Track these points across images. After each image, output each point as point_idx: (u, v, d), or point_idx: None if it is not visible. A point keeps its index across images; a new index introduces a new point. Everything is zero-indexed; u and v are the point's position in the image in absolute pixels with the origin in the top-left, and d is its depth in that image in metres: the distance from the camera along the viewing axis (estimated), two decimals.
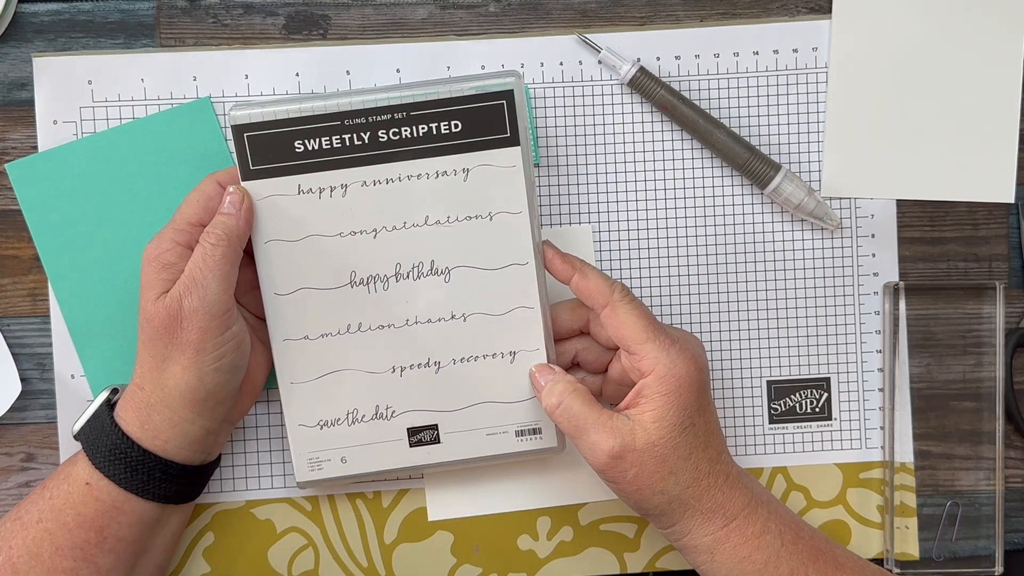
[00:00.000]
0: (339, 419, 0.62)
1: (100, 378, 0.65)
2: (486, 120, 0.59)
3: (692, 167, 0.67)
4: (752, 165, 0.66)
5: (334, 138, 0.59)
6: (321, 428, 0.62)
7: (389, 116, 0.59)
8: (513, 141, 0.59)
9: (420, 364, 0.62)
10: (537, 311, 0.61)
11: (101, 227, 0.65)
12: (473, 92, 0.59)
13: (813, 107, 0.67)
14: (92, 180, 0.65)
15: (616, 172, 0.67)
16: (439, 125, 0.59)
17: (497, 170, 0.60)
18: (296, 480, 0.63)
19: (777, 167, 0.66)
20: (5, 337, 0.65)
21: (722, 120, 0.66)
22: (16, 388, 0.65)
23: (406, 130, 0.59)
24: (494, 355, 0.62)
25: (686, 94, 0.66)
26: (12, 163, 0.65)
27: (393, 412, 0.62)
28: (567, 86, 0.66)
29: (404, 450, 0.63)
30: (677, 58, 0.67)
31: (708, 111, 0.66)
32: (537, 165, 0.66)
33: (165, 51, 0.65)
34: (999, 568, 0.67)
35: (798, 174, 0.67)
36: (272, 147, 0.59)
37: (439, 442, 0.63)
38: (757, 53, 0.67)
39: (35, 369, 0.66)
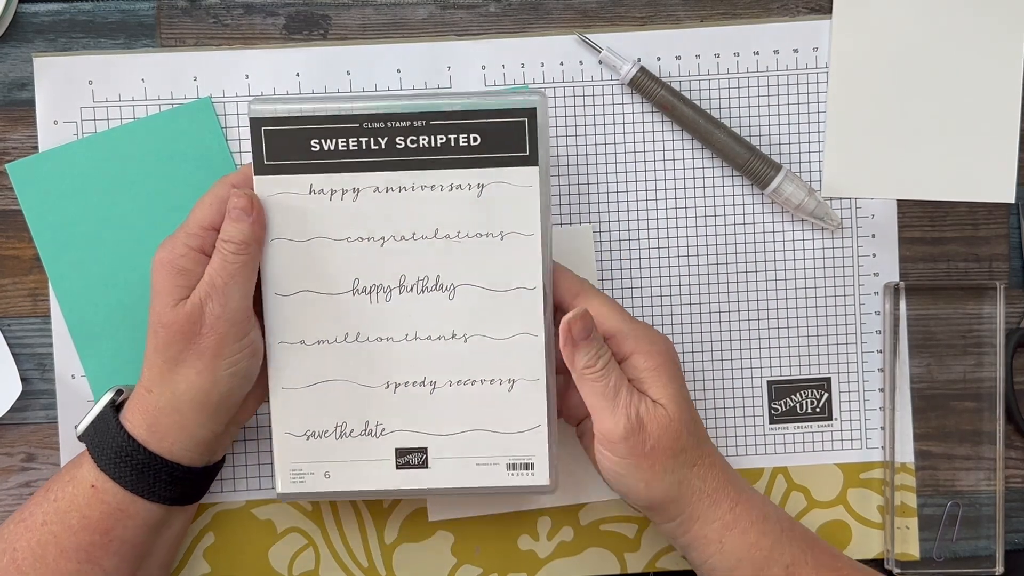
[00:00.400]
0: (326, 431, 0.61)
1: (100, 378, 0.65)
2: (506, 136, 0.57)
3: (692, 167, 0.67)
4: (752, 165, 0.66)
5: (351, 140, 0.58)
6: (307, 438, 0.61)
7: (408, 123, 0.57)
8: (532, 161, 0.58)
9: (415, 382, 0.60)
10: (541, 339, 0.59)
11: (102, 227, 0.65)
12: (495, 107, 0.57)
13: (813, 107, 0.67)
14: (93, 180, 0.65)
15: (616, 172, 0.67)
16: (457, 137, 0.58)
17: (513, 189, 0.58)
18: (276, 491, 0.61)
19: (777, 167, 0.66)
20: (6, 337, 0.65)
21: (722, 120, 0.66)
22: (17, 388, 0.65)
23: (424, 139, 0.58)
24: (492, 381, 0.60)
25: (686, 94, 0.66)
26: (13, 163, 0.65)
27: (383, 430, 0.61)
28: (567, 86, 0.66)
29: (390, 472, 0.61)
30: (678, 58, 0.67)
31: (708, 111, 0.66)
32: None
33: (165, 51, 0.65)
34: (1000, 568, 0.67)
35: (798, 174, 0.67)
36: (288, 144, 0.58)
37: (427, 467, 0.61)
38: (757, 53, 0.67)
39: (36, 369, 0.66)
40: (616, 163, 0.67)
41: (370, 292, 0.60)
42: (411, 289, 0.60)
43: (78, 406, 0.65)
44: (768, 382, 0.68)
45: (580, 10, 0.67)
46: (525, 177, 0.58)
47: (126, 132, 0.65)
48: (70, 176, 0.65)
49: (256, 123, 0.58)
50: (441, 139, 0.58)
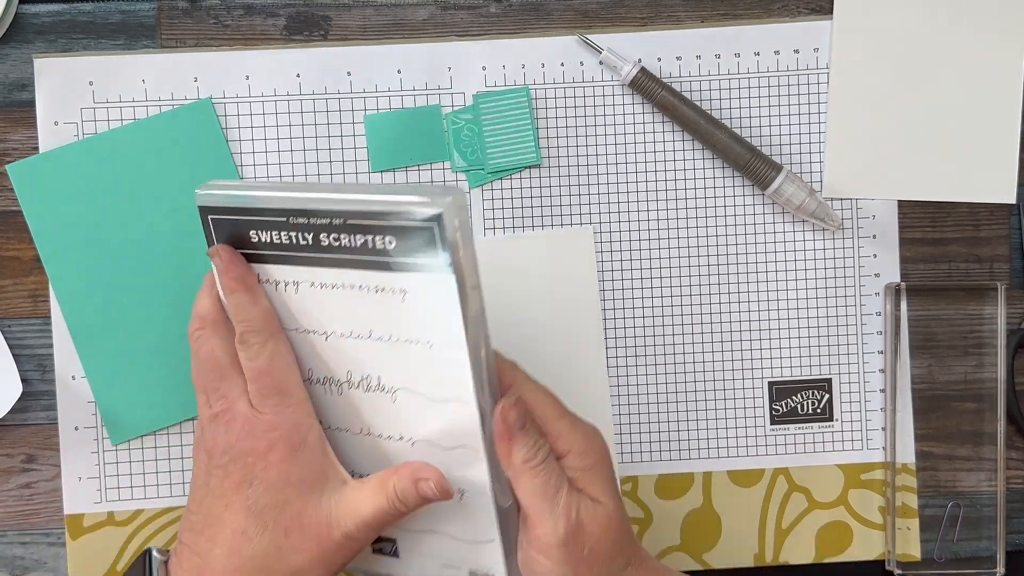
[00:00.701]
0: None
1: (101, 379, 0.65)
2: (419, 241, 0.50)
3: (693, 168, 0.67)
4: (753, 166, 0.66)
5: (282, 233, 0.53)
6: None
7: (328, 220, 0.52)
8: (449, 266, 0.50)
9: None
10: (481, 453, 0.53)
11: (102, 228, 0.65)
12: (400, 209, 0.49)
13: (814, 108, 0.67)
14: (93, 181, 0.65)
15: (617, 173, 0.67)
16: (374, 238, 0.51)
17: (434, 297, 0.51)
18: None
19: (778, 168, 0.66)
20: (6, 338, 0.65)
21: (723, 121, 0.66)
22: (17, 389, 0.65)
23: (344, 238, 0.52)
24: None
25: (687, 95, 0.66)
26: (13, 164, 0.65)
27: None
28: (568, 87, 0.66)
29: (367, 552, 0.58)
30: (678, 59, 0.67)
31: (709, 112, 0.66)
32: (537, 165, 0.66)
33: (166, 52, 0.65)
34: (1001, 569, 0.67)
35: (799, 175, 0.67)
36: (232, 233, 0.54)
37: (398, 556, 0.57)
38: (758, 54, 0.67)
39: (36, 370, 0.66)
40: (616, 163, 0.67)
41: (324, 383, 0.56)
42: (358, 386, 0.55)
43: (78, 407, 0.65)
44: (769, 383, 0.68)
45: (581, 11, 0.67)
46: (444, 287, 0.50)
47: (126, 133, 0.65)
48: (70, 177, 0.64)
49: (203, 210, 0.55)
50: (360, 239, 0.51)
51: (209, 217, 0.55)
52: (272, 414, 0.53)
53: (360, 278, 0.52)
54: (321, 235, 0.52)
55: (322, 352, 0.55)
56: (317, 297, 0.54)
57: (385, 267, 0.51)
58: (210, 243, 0.55)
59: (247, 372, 0.54)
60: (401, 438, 0.55)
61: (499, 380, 0.53)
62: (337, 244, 0.52)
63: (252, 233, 0.54)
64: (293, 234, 0.53)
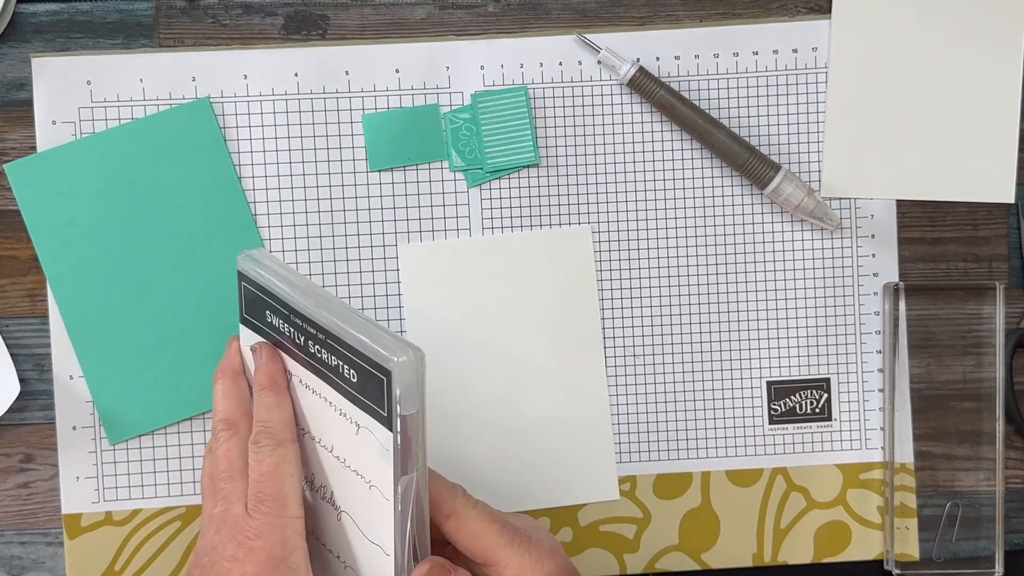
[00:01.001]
0: None
1: (99, 378, 0.65)
2: (373, 386, 0.49)
3: (692, 167, 0.67)
4: (752, 165, 0.66)
5: (284, 325, 0.54)
6: None
7: (315, 331, 0.52)
8: (389, 425, 0.49)
9: None
10: None
11: (100, 228, 0.65)
12: (360, 348, 0.49)
13: (813, 107, 0.67)
14: (91, 181, 0.65)
15: (616, 172, 0.67)
16: (343, 365, 0.51)
17: (376, 444, 0.50)
18: None
19: (777, 167, 0.66)
20: (4, 338, 0.65)
21: (722, 120, 0.66)
22: (15, 389, 0.65)
23: (324, 353, 0.52)
24: None
25: (686, 94, 0.66)
26: (11, 163, 0.65)
27: None
28: (566, 86, 0.66)
29: None
30: (677, 58, 0.67)
31: (708, 111, 0.66)
32: (535, 165, 0.66)
33: (164, 51, 0.65)
34: (999, 569, 0.67)
35: (798, 174, 0.67)
36: (255, 306, 0.56)
37: None
38: (757, 53, 0.67)
39: (34, 370, 0.66)
40: (615, 163, 0.67)
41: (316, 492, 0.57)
42: (316, 490, 0.56)
43: (76, 406, 0.65)
44: (768, 382, 0.68)
45: (579, 10, 0.67)
46: (384, 440, 0.49)
47: (124, 132, 0.65)
48: (68, 176, 0.64)
49: (240, 275, 0.56)
50: (334, 360, 0.51)
51: (241, 283, 0.56)
52: (261, 522, 0.51)
53: (332, 395, 0.52)
54: (309, 342, 0.53)
55: (302, 445, 0.55)
56: (302, 392, 0.55)
57: (349, 395, 0.51)
58: (240, 305, 0.57)
59: (251, 474, 0.53)
60: (338, 556, 0.55)
61: (436, 509, 0.52)
62: (319, 356, 0.52)
63: (267, 313, 0.55)
64: (292, 330, 0.54)
